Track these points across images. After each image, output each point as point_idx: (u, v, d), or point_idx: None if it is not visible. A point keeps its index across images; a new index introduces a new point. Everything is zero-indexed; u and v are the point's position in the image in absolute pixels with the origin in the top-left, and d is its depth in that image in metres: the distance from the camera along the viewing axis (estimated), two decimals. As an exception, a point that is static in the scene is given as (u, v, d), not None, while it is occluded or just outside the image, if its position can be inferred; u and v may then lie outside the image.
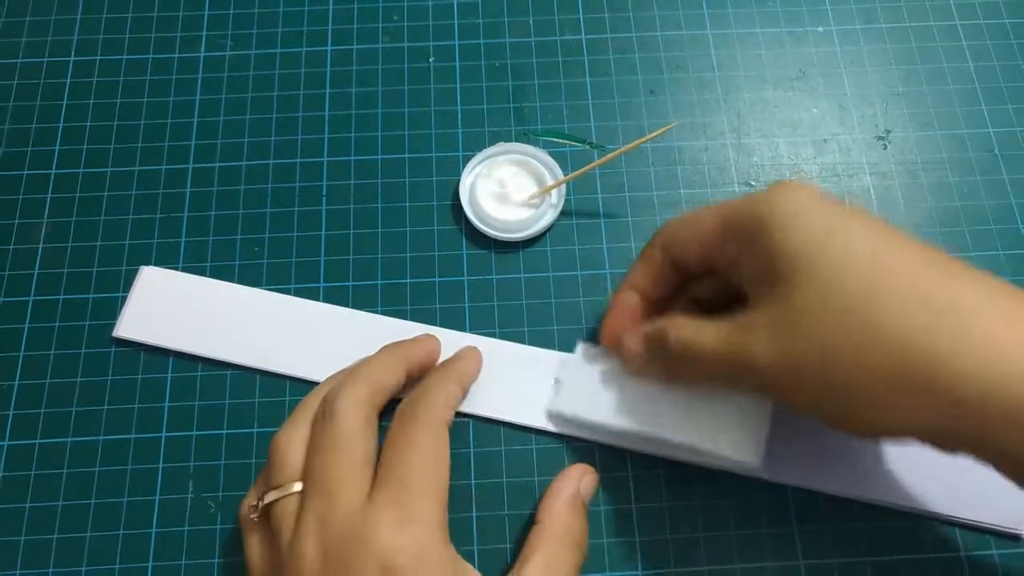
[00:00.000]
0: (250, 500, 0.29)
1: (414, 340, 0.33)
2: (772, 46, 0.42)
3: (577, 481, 0.31)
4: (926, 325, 0.24)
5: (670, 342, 0.29)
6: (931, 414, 0.24)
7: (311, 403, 0.30)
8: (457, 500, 0.33)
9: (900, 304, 0.24)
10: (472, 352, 0.34)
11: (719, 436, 0.29)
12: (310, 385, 0.34)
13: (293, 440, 0.29)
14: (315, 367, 0.34)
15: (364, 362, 0.31)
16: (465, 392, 0.33)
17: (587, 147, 0.39)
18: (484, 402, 0.34)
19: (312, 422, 0.29)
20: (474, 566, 0.32)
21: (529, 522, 0.32)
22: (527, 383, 0.34)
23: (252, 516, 0.28)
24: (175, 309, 0.36)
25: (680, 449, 0.31)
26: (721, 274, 0.30)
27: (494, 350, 0.34)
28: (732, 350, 0.27)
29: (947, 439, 0.24)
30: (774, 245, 0.26)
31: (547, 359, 0.34)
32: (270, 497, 0.28)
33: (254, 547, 0.28)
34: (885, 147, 0.39)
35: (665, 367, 0.30)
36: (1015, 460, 0.24)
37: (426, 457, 0.27)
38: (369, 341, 0.32)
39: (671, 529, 0.32)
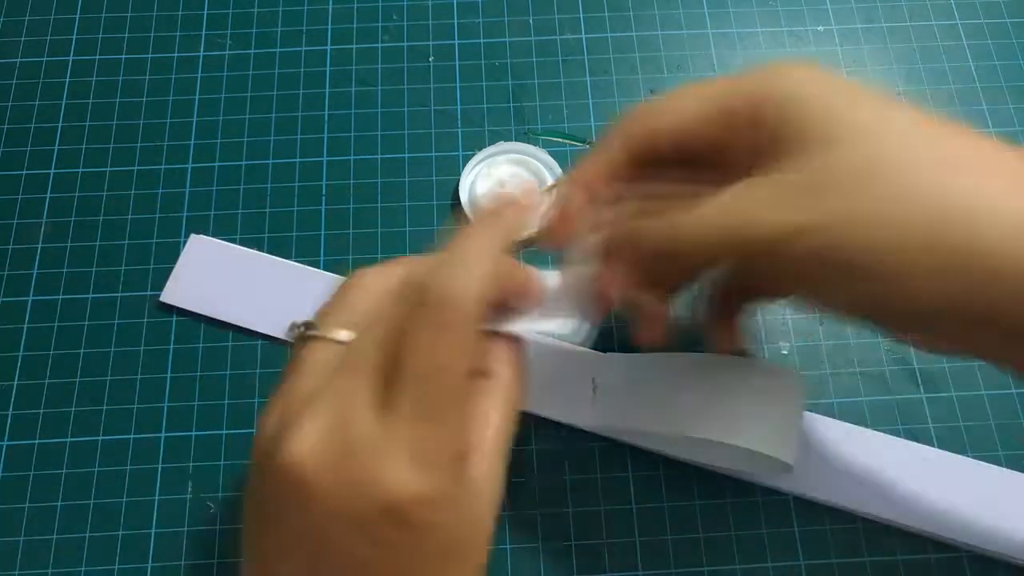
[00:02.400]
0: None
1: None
2: (773, 45, 0.42)
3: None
4: (964, 187, 0.21)
5: (645, 236, 0.26)
6: (964, 289, 0.21)
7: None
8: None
9: (934, 165, 0.22)
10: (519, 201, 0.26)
11: (758, 437, 0.28)
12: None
13: (378, 285, 0.24)
14: None
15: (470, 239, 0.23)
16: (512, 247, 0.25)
17: (587, 147, 0.39)
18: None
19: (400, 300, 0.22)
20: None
21: (528, 521, 0.32)
22: (563, 379, 0.33)
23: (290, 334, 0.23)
24: (221, 279, 0.36)
25: (718, 453, 0.31)
26: (689, 162, 0.26)
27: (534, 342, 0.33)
28: (732, 223, 0.24)
29: (973, 323, 0.22)
30: (790, 121, 0.23)
31: (583, 355, 0.34)
32: (317, 329, 0.23)
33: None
34: (886, 146, 0.39)
35: (634, 267, 0.26)
36: None
37: (441, 369, 0.21)
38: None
39: (671, 529, 0.32)
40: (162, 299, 0.36)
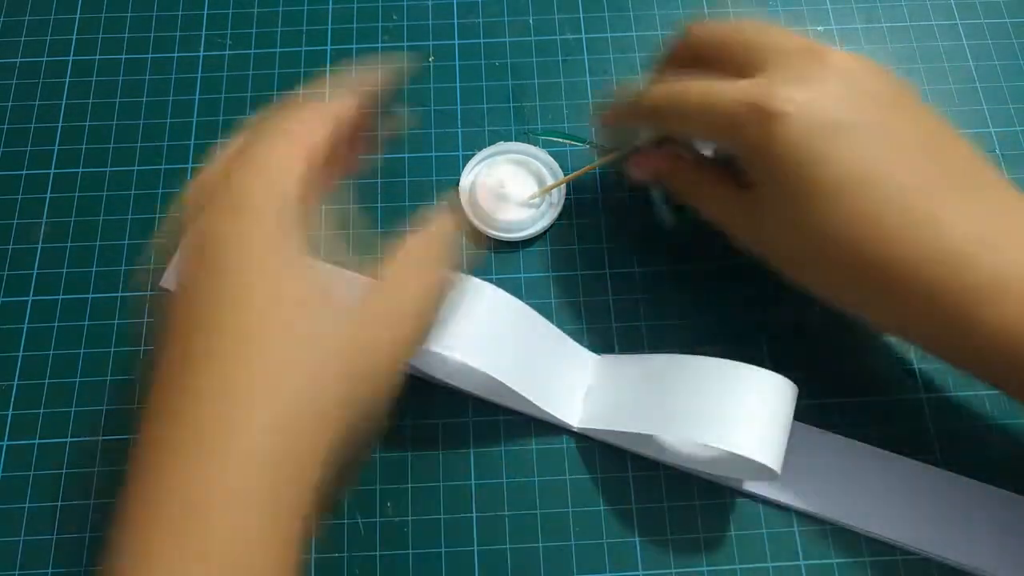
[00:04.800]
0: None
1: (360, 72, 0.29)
2: (772, 45, 0.42)
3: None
4: (901, 237, 0.26)
5: (692, 93, 0.29)
6: (904, 316, 0.27)
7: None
8: (457, 500, 0.33)
9: (879, 212, 0.26)
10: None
11: (746, 442, 0.28)
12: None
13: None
14: None
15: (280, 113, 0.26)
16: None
17: (587, 147, 0.39)
18: (522, 379, 0.31)
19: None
20: (474, 567, 0.32)
21: (528, 522, 0.32)
22: (563, 375, 0.33)
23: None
24: None
25: (706, 457, 0.31)
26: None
27: (535, 324, 0.32)
28: (757, 103, 0.27)
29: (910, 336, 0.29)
30: (769, 160, 0.28)
31: (584, 357, 0.34)
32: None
33: None
34: (886, 147, 0.39)
35: (678, 128, 0.32)
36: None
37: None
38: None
39: (671, 529, 0.32)
40: (162, 283, 0.36)
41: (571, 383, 0.33)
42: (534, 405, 0.31)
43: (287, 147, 0.25)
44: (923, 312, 0.27)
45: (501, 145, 0.38)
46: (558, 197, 0.37)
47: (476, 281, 0.30)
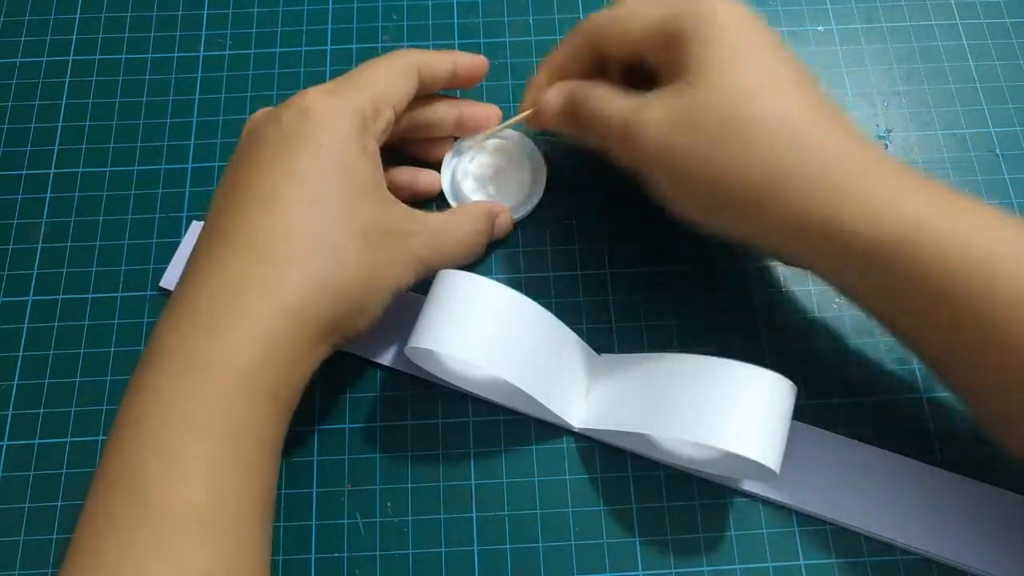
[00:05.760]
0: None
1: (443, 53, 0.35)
2: (772, 45, 0.42)
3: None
4: (791, 157, 0.27)
5: (583, 104, 0.32)
6: (776, 233, 0.28)
7: None
8: (457, 500, 0.33)
9: (771, 131, 0.27)
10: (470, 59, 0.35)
11: (744, 441, 0.28)
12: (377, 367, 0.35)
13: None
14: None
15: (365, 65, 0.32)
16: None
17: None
18: (527, 378, 0.30)
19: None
20: (474, 567, 0.32)
21: (528, 522, 0.32)
22: (566, 374, 0.33)
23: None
24: None
25: (705, 457, 0.31)
26: (639, 62, 0.32)
27: (540, 320, 0.31)
28: (627, 125, 0.30)
29: (784, 255, 0.31)
30: (691, 49, 0.29)
31: (587, 355, 0.34)
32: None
33: None
34: (886, 146, 0.39)
35: (575, 129, 0.33)
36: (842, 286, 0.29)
37: (373, 68, 0.32)
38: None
39: (671, 529, 0.32)
40: (162, 284, 0.36)
41: (574, 382, 0.33)
42: (539, 404, 0.31)
43: (402, 77, 0.32)
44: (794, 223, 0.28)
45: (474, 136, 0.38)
46: (534, 182, 0.37)
47: (475, 277, 0.30)
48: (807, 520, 0.32)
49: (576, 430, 0.33)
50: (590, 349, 0.34)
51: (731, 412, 0.29)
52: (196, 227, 0.37)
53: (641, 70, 0.32)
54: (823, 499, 0.32)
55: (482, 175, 0.37)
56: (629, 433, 0.32)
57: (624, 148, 0.30)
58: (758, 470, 0.29)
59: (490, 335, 0.30)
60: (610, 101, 0.31)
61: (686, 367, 0.31)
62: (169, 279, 0.36)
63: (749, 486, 0.32)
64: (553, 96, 0.33)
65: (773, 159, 0.27)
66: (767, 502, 0.32)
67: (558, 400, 0.32)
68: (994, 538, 0.31)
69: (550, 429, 0.34)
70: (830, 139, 0.27)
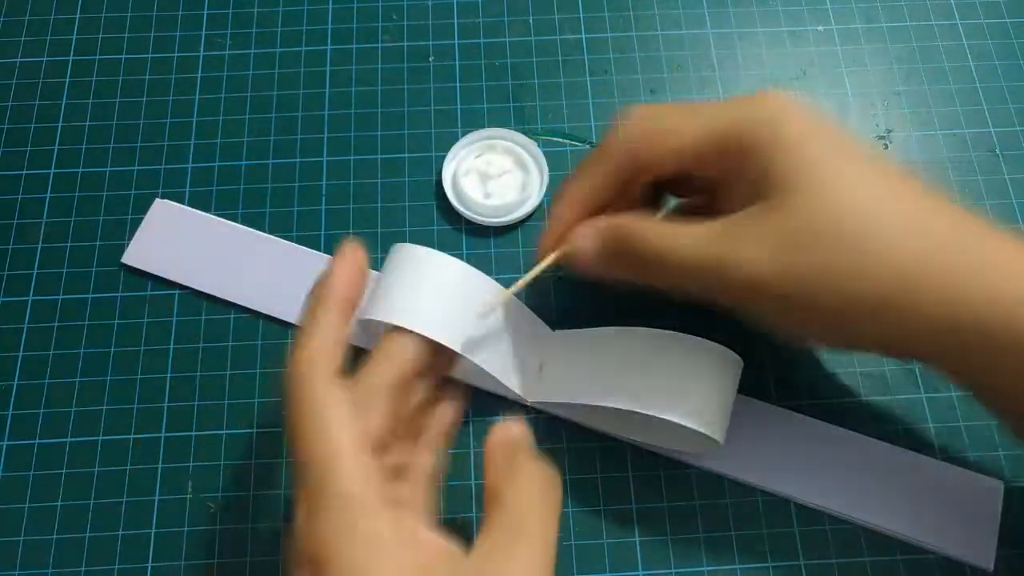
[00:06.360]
0: None
1: (331, 271, 0.27)
2: (773, 45, 0.42)
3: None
4: (925, 251, 0.25)
5: (637, 245, 0.28)
6: (915, 336, 0.26)
7: None
8: (457, 500, 0.33)
9: (901, 230, 0.25)
10: (343, 258, 0.27)
11: (689, 412, 0.29)
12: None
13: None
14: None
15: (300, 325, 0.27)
16: (349, 313, 0.27)
17: (587, 146, 0.39)
18: (480, 351, 0.30)
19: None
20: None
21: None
22: (520, 349, 0.32)
23: None
24: (184, 244, 0.37)
25: (652, 428, 0.32)
26: (693, 182, 0.29)
27: (493, 294, 0.31)
28: (715, 257, 0.26)
29: (923, 358, 0.27)
30: (777, 163, 0.26)
31: (540, 330, 0.33)
32: None
33: None
34: (886, 146, 0.39)
35: (627, 269, 0.29)
36: (999, 384, 0.26)
37: (312, 433, 0.24)
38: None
39: (671, 529, 0.32)
40: (123, 260, 0.36)
41: (527, 357, 0.33)
42: (492, 378, 0.31)
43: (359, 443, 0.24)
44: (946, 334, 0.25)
45: (478, 133, 0.38)
46: (540, 184, 0.38)
47: (424, 249, 0.30)
48: (807, 520, 0.32)
49: (530, 404, 0.33)
50: (545, 325, 0.34)
51: (675, 384, 0.29)
52: (159, 204, 0.37)
53: (657, 186, 0.30)
54: (780, 475, 0.33)
55: (483, 174, 0.37)
56: (583, 406, 0.32)
57: (715, 287, 0.27)
58: (704, 442, 0.30)
59: (443, 307, 0.29)
60: (675, 239, 0.27)
61: (635, 340, 0.31)
62: (131, 255, 0.36)
63: (710, 464, 0.33)
64: (590, 239, 0.29)
65: (905, 259, 0.25)
66: (736, 482, 0.32)
67: (512, 374, 0.32)
68: (912, 502, 0.32)
69: (550, 429, 0.34)
70: (956, 226, 0.26)
